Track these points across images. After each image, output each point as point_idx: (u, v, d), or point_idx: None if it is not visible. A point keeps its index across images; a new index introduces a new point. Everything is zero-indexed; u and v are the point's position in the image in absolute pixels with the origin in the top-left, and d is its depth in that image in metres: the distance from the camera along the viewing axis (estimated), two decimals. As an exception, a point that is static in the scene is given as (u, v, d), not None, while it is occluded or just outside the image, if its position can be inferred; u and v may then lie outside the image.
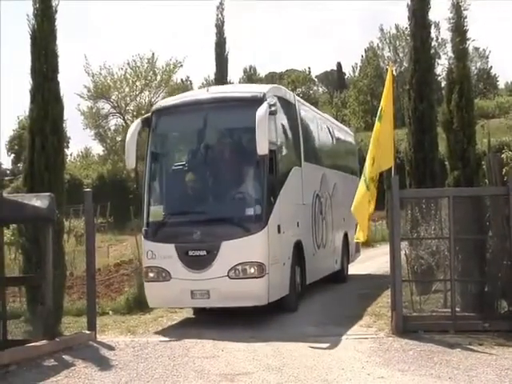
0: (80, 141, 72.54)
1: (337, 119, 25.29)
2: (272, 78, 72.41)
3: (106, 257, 18.90)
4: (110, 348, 8.14)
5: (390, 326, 8.51)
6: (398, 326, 8.23)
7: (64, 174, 9.73)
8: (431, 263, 8.99)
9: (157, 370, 6.99)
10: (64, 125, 9.61)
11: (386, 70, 11.83)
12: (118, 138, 40.08)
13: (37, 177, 8.95)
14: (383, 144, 8.78)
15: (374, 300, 11.07)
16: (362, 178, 8.79)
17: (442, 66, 37.03)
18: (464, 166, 9.63)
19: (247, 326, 9.01)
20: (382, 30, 65.53)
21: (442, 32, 41.76)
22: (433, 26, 11.95)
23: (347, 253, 14.29)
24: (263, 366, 6.96)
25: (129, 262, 15.65)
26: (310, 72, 79.40)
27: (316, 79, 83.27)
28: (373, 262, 16.89)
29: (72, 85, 30.45)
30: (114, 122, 42.62)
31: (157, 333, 9.18)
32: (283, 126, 10.23)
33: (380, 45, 66.44)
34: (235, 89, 12.30)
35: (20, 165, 43.59)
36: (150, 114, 10.30)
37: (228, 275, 8.90)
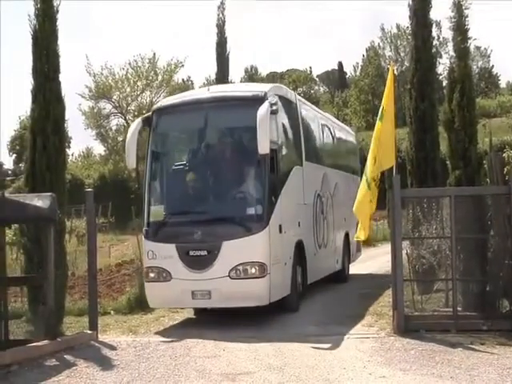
0: (81, 141, 72.93)
1: (338, 119, 25.28)
2: (273, 77, 72.39)
3: (108, 257, 18.93)
4: (112, 348, 8.14)
5: (391, 326, 8.50)
6: (399, 326, 8.22)
7: (65, 174, 9.74)
8: (433, 262, 8.98)
9: (158, 369, 6.99)
10: (65, 125, 9.61)
11: (387, 69, 11.85)
12: (120, 138, 40.04)
13: (38, 177, 8.95)
14: (384, 143, 8.76)
15: (376, 299, 11.07)
16: (364, 177, 8.78)
17: (443, 65, 36.99)
18: (465, 165, 9.61)
19: (248, 326, 9.01)
20: (383, 29, 65.67)
21: (443, 31, 41.87)
22: (434, 25, 11.94)
23: (348, 252, 14.29)
24: (264, 366, 6.95)
25: (130, 261, 15.66)
26: (311, 72, 79.55)
27: (317, 79, 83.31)
28: (374, 261, 16.89)
29: (73, 85, 30.54)
30: (115, 122, 42.67)
31: (158, 333, 9.18)
32: (284, 125, 10.21)
33: (381, 44, 66.60)
34: (236, 88, 12.25)
35: (21, 165, 43.67)
36: (150, 113, 10.29)
37: (229, 275, 8.88)
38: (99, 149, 50.92)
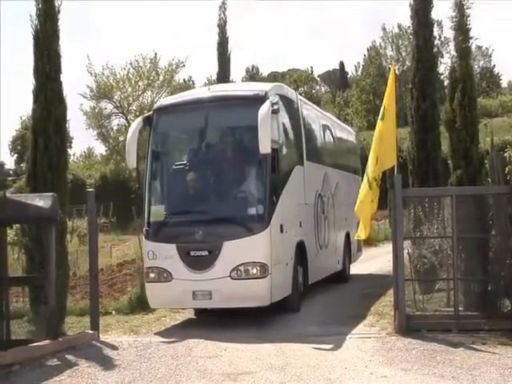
0: (83, 141, 72.96)
1: (339, 118, 25.33)
2: (274, 77, 72.32)
3: (109, 257, 18.95)
4: (113, 348, 8.14)
5: (392, 326, 8.49)
6: (400, 325, 8.21)
7: (67, 174, 9.74)
8: (434, 262, 8.97)
9: (160, 369, 6.99)
10: (67, 125, 9.62)
11: (389, 69, 11.81)
12: (121, 138, 40.05)
13: (40, 177, 8.94)
14: (386, 143, 8.75)
15: (377, 299, 11.06)
16: (365, 177, 8.77)
17: (444, 65, 36.82)
18: (467, 164, 9.60)
19: (249, 326, 9.00)
20: (384, 29, 65.71)
21: (444, 31, 41.90)
22: (435, 25, 11.95)
23: (349, 252, 14.28)
24: (266, 366, 6.95)
25: (131, 261, 15.67)
26: (312, 71, 79.49)
27: (318, 78, 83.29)
28: (375, 261, 16.89)
29: (75, 85, 30.57)
30: (116, 121, 42.75)
31: (160, 333, 9.18)
32: (285, 124, 10.20)
33: (382, 44, 66.63)
34: (237, 87, 12.22)
35: (23, 165, 43.64)
36: (151, 112, 10.28)
37: (230, 276, 8.86)
38: (100, 149, 51.07)
